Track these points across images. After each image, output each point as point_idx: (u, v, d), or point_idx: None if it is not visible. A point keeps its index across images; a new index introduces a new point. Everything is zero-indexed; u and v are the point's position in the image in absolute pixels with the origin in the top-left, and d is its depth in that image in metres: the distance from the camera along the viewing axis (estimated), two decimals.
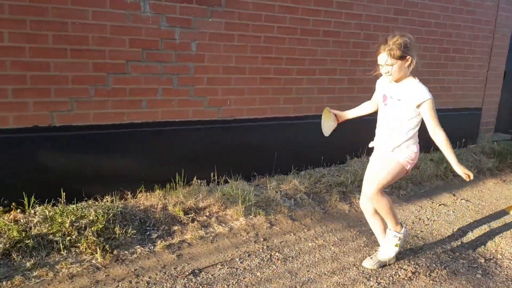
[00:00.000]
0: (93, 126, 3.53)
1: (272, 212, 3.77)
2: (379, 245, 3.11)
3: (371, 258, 3.06)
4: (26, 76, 3.21)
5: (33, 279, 2.66)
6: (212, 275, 2.85)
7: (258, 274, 2.88)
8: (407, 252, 3.29)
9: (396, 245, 2.93)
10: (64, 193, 3.37)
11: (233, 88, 4.16)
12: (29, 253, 2.84)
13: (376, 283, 2.84)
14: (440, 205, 4.30)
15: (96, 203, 3.44)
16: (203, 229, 3.43)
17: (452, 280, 2.93)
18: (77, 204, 3.32)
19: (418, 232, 3.66)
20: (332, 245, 3.33)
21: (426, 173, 4.90)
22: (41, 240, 2.92)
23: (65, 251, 2.92)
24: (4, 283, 2.60)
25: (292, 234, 3.49)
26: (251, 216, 3.66)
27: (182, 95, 3.92)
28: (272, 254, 3.16)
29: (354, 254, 3.21)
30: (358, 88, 4.98)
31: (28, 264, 2.76)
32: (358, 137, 5.12)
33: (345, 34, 4.72)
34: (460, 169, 2.64)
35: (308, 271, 2.96)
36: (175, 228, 3.39)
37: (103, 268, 2.84)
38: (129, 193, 3.71)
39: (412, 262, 3.13)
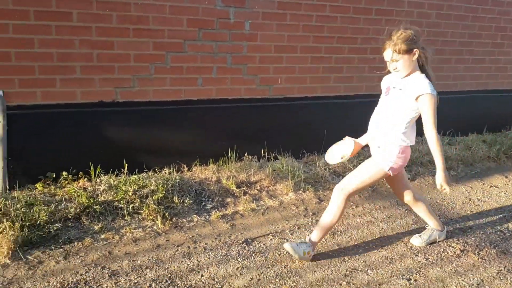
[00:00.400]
0: (153, 102, 3.73)
1: (321, 189, 3.87)
2: (427, 224, 3.15)
3: (420, 236, 3.11)
4: (93, 54, 3.43)
5: (101, 241, 2.91)
6: (264, 244, 3.01)
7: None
8: (456, 231, 3.31)
9: (304, 253, 2.73)
10: (126, 164, 3.61)
11: (284, 66, 4.25)
12: (97, 217, 3.10)
13: (424, 259, 2.91)
14: (491, 186, 4.26)
15: (155, 174, 3.67)
16: (254, 202, 3.59)
17: (501, 259, 2.95)
18: (139, 175, 3.55)
19: (468, 212, 3.66)
20: (380, 222, 3.41)
21: (477, 154, 4.83)
22: (107, 206, 3.17)
23: (129, 217, 3.16)
24: (76, 243, 2.86)
25: None
26: (300, 192, 3.78)
27: (235, 73, 4.05)
28: None
29: (402, 231, 3.27)
30: None
31: (96, 227, 3.02)
32: None
33: (398, 12, 4.68)
34: (442, 177, 2.55)
35: (356, 245, 3.06)
36: (228, 200, 3.56)
37: (163, 233, 3.06)
38: (185, 166, 3.92)
39: (461, 241, 3.16)
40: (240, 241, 3.02)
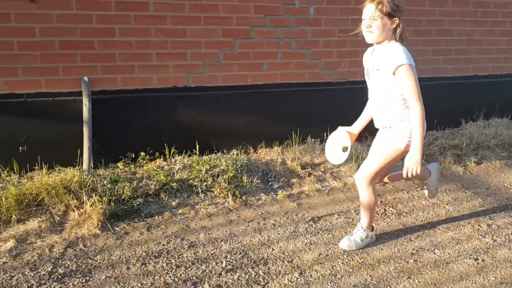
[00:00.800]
0: (221, 87, 3.92)
1: None
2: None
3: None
4: (167, 41, 3.65)
5: (178, 216, 3.15)
6: (330, 222, 3.13)
7: (373, 225, 3.08)
8: None
9: (362, 240, 2.79)
10: (198, 146, 3.83)
11: (347, 50, 4.30)
12: (174, 194, 3.34)
13: (492, 240, 2.92)
14: None
15: (224, 155, 3.87)
16: (319, 182, 3.71)
17: None
18: (209, 155, 3.76)
19: None
20: (446, 204, 3.43)
21: None
22: (183, 184, 3.40)
23: (202, 194, 3.38)
24: (156, 217, 3.11)
25: (405, 192, 3.64)
26: None
27: (299, 58, 4.15)
28: (386, 208, 3.35)
29: (468, 213, 3.28)
30: (477, 49, 4.83)
31: (173, 203, 3.26)
32: (473, 100, 5.02)
33: None
34: (413, 158, 2.34)
35: (422, 225, 3.11)
36: (294, 180, 3.71)
37: (234, 210, 3.25)
38: (251, 148, 4.09)
39: None
40: (307, 219, 3.16)
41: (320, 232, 3.00)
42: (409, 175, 2.40)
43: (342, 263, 2.65)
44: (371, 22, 2.38)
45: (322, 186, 3.67)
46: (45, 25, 3.29)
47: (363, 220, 2.85)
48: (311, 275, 2.52)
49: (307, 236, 2.94)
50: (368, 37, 2.45)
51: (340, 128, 2.92)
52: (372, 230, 2.88)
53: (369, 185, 2.70)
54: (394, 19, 2.38)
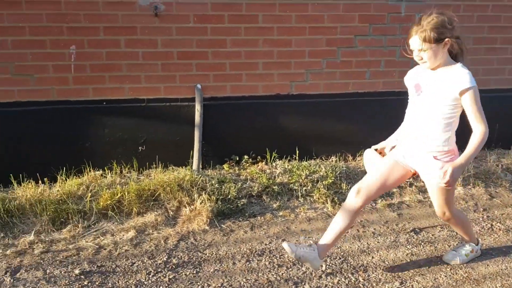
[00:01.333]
0: (323, 95, 4.02)
1: (492, 185, 3.76)
2: None
3: None
4: (273, 51, 3.83)
5: (279, 218, 3.30)
6: (432, 235, 3.08)
7: (479, 239, 2.99)
8: None
9: (467, 255, 2.76)
10: (297, 151, 3.97)
11: None
12: (275, 196, 3.50)
13: None
14: None
15: (323, 161, 3.96)
16: (420, 193, 3.65)
17: None
18: (309, 161, 3.88)
19: None
20: None
21: None
22: (283, 187, 3.56)
23: (302, 198, 3.50)
24: (258, 217, 3.29)
25: None
26: (469, 187, 3.72)
27: (403, 66, 4.08)
28: (493, 224, 3.22)
29: None
30: None
31: (274, 205, 3.42)
32: None
33: None
34: (456, 169, 2.18)
35: None
36: (394, 190, 3.68)
37: (333, 216, 3.31)
38: (349, 155, 4.14)
39: None
40: (408, 230, 3.15)
41: (422, 243, 2.97)
42: (443, 177, 2.22)
43: (445, 276, 2.62)
44: (421, 54, 2.25)
45: (424, 197, 3.61)
46: (166, 37, 3.63)
47: (465, 237, 2.80)
48: (412, 286, 2.53)
49: (408, 246, 2.94)
50: (423, 66, 2.34)
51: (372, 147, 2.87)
52: (477, 244, 2.80)
53: (454, 218, 2.58)
54: (446, 41, 2.21)
